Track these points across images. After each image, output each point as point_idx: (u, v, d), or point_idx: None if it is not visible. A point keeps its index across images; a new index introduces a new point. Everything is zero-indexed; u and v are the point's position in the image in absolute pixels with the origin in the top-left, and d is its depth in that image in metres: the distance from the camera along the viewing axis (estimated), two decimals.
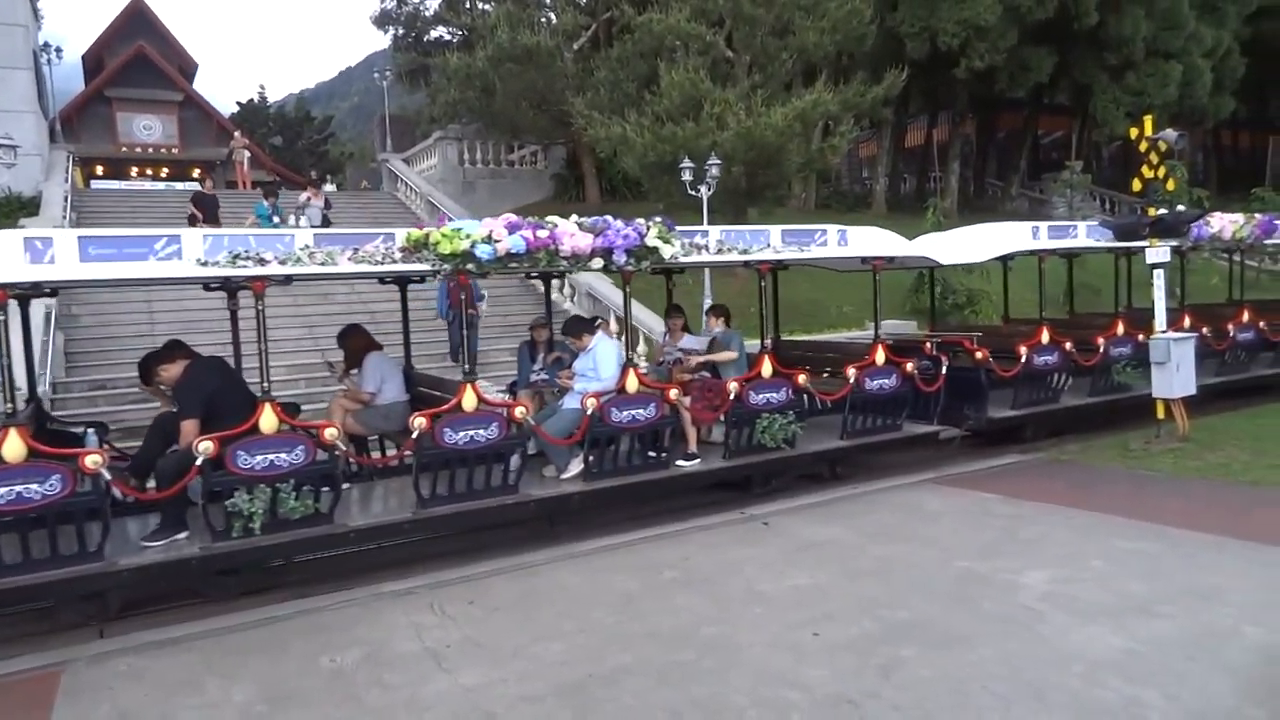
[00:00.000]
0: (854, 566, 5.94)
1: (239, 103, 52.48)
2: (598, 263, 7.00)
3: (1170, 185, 10.57)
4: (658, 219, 7.31)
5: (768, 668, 4.44)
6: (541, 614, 5.33)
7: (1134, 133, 10.10)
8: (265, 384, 6.01)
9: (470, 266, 6.40)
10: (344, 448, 6.70)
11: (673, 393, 7.57)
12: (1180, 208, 10.29)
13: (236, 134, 30.44)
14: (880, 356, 8.62)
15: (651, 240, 7.13)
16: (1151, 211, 9.74)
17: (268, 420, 5.89)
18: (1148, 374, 10.47)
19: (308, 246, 5.82)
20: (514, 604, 5.53)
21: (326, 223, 16.06)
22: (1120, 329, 10.56)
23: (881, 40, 23.23)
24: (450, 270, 6.39)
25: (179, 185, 32.80)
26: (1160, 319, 9.68)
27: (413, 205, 23.23)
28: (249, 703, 4.34)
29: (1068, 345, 9.95)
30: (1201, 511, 6.85)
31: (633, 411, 7.30)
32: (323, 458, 6.10)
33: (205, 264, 5.55)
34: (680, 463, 7.73)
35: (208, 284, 6.17)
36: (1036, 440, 9.85)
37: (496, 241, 6.41)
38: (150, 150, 36.43)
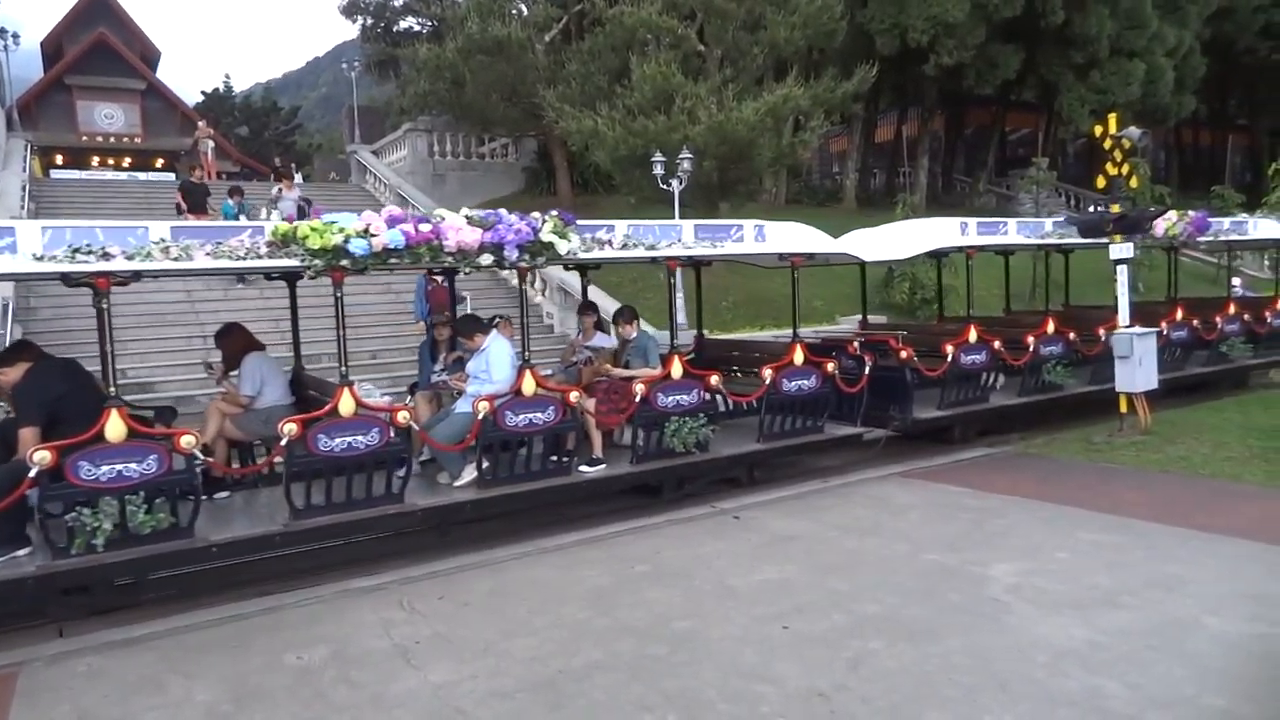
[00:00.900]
0: (824, 560, 5.98)
1: (204, 92, 51.67)
2: (487, 259, 6.62)
3: (1133, 182, 10.77)
4: (554, 212, 6.97)
5: (738, 661, 4.45)
6: (512, 609, 5.30)
7: (1098, 130, 10.26)
8: (112, 387, 5.60)
9: (345, 263, 6.05)
10: (204, 457, 6.16)
11: (573, 395, 7.23)
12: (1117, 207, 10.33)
13: (201, 124, 29.88)
14: (798, 357, 8.34)
15: (546, 235, 6.78)
16: (1115, 208, 9.90)
17: (114, 428, 5.43)
18: (1079, 373, 10.57)
19: (162, 240, 5.46)
20: (484, 599, 5.50)
21: (304, 216, 15.66)
22: (1050, 328, 10.34)
23: (852, 36, 23.37)
24: (322, 267, 5.98)
25: (141, 175, 32.12)
26: (1124, 314, 9.84)
27: (382, 197, 22.98)
28: (213, 702, 4.27)
29: (996, 344, 9.72)
30: (1163, 504, 6.98)
31: (530, 415, 6.95)
32: (180, 466, 5.66)
33: (41, 259, 5.13)
34: (584, 468, 7.37)
35: (66, 279, 5.66)
36: (965, 441, 9.69)
37: (373, 236, 6.08)
38: (112, 139, 35.70)
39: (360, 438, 6.23)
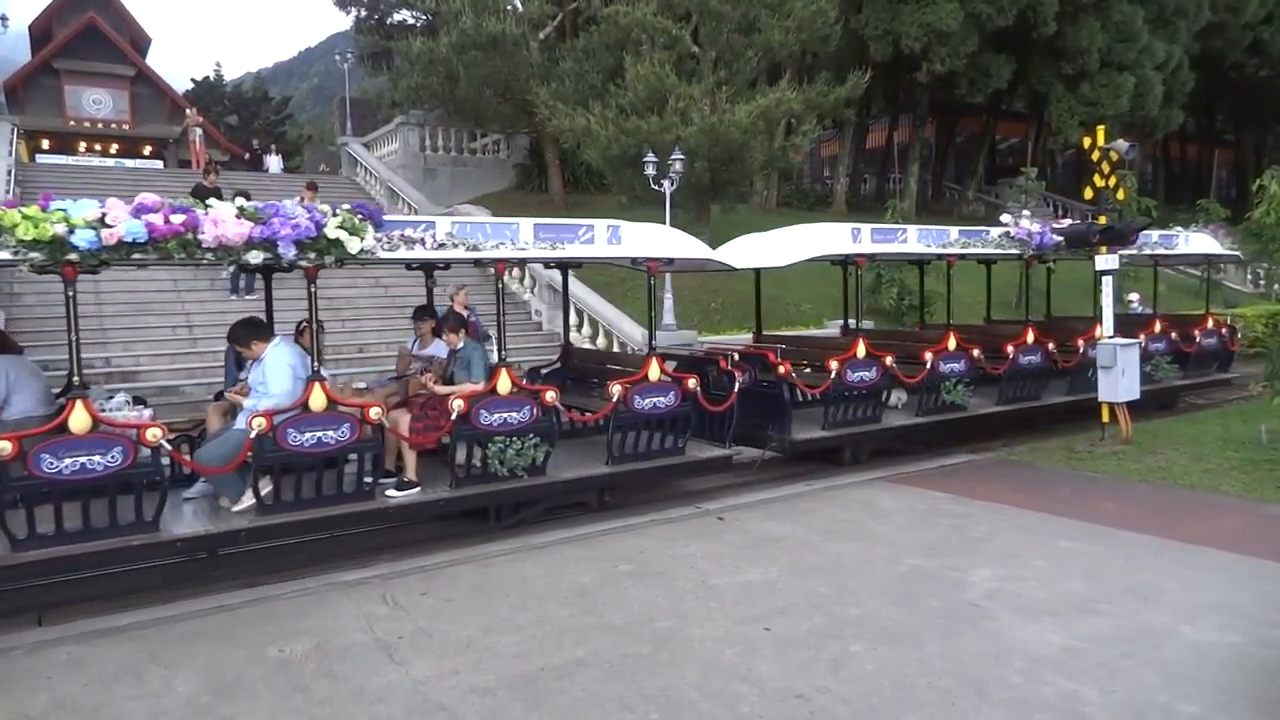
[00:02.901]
0: (806, 562, 6.02)
1: (194, 80, 51.15)
2: (256, 256, 5.84)
3: (1120, 195, 10.87)
4: (347, 206, 6.28)
5: (719, 661, 4.48)
6: (496, 606, 5.31)
7: (1087, 142, 10.35)
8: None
9: (72, 256, 5.31)
10: None
11: (373, 412, 6.45)
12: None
13: (190, 111, 29.75)
14: (653, 372, 7.70)
15: (333, 231, 6.00)
16: (1102, 219, 10.00)
17: None
18: (981, 392, 10.17)
19: None
20: (468, 595, 5.51)
21: None
22: (951, 343, 9.81)
23: (845, 41, 23.46)
24: (44, 260, 5.28)
25: (129, 162, 31.88)
26: (1108, 325, 9.95)
27: (372, 190, 22.89)
28: (192, 693, 4.27)
29: (889, 360, 9.25)
30: (1142, 513, 7.06)
31: (319, 433, 6.20)
32: None
33: None
34: (392, 493, 6.70)
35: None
36: (857, 464, 9.18)
37: (109, 226, 5.34)
38: (100, 125, 35.32)
39: (98, 458, 5.45)
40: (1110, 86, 26.66)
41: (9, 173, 17.44)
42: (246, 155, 31.26)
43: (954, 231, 9.90)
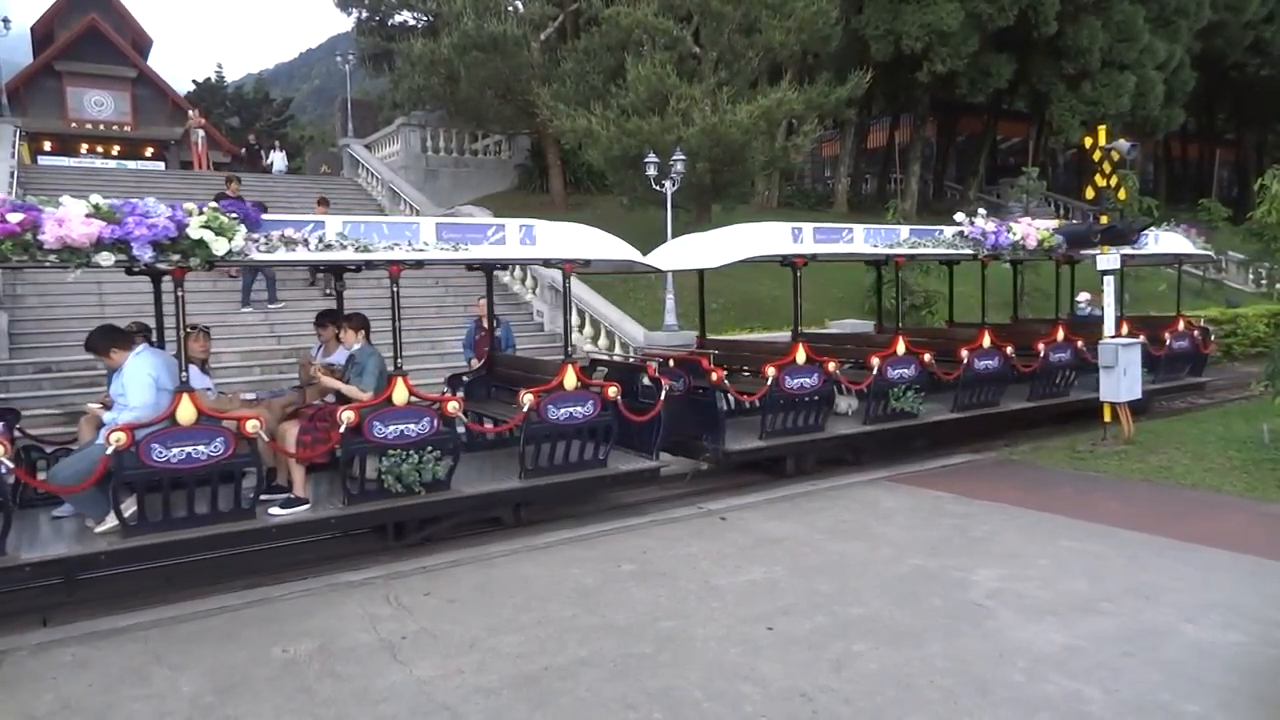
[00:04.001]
0: (808, 562, 6.02)
1: (195, 81, 51.19)
2: (108, 258, 5.37)
3: (1122, 194, 10.85)
4: (213, 204, 5.81)
5: (722, 661, 4.49)
6: (499, 606, 5.32)
7: (1088, 142, 10.35)
8: None
9: None
10: None
11: (250, 424, 5.99)
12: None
13: (192, 113, 29.73)
14: (569, 380, 7.26)
15: (196, 231, 5.54)
16: (1104, 219, 9.99)
17: None
18: (935, 399, 9.76)
19: None
20: (471, 595, 5.52)
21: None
22: (900, 348, 9.37)
23: (846, 41, 23.48)
24: None
25: (131, 164, 31.91)
26: (1110, 325, 9.94)
27: (374, 192, 22.92)
28: (197, 693, 4.28)
29: (831, 366, 8.81)
30: (1144, 513, 7.06)
31: (188, 448, 5.74)
32: None
33: None
34: (275, 511, 6.26)
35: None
36: (801, 474, 8.76)
37: None
38: (102, 127, 35.36)
39: None
40: (1111, 86, 26.65)
41: (11, 175, 17.47)
42: (242, 150, 31.07)
43: (905, 230, 9.50)
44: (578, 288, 15.14)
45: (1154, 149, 38.25)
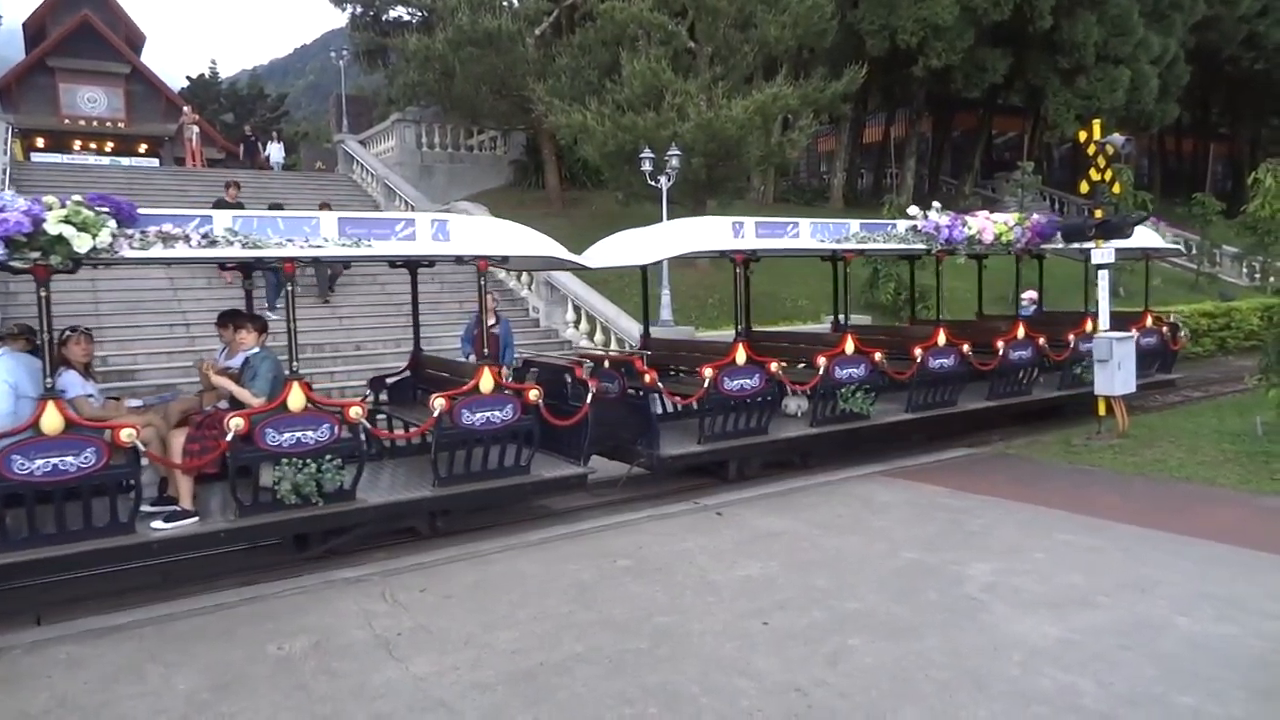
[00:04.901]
0: (805, 557, 6.03)
1: (189, 77, 51.03)
2: None
3: (1116, 189, 10.85)
4: (77, 197, 5.38)
5: (719, 656, 4.49)
6: (495, 602, 5.32)
7: (1083, 136, 10.36)
8: None
9: None
10: None
11: (124, 433, 5.59)
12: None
13: (186, 109, 29.61)
14: (486, 383, 6.88)
15: (54, 226, 5.17)
16: (1098, 213, 10.00)
17: None
18: (889, 398, 9.56)
19: None
20: (467, 592, 5.52)
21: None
22: (848, 347, 9.05)
23: (842, 36, 23.46)
24: None
25: (125, 160, 31.78)
26: (1104, 319, 9.96)
27: (369, 188, 22.86)
28: (193, 691, 4.27)
29: (773, 367, 8.48)
30: (1139, 507, 7.08)
31: (54, 459, 5.38)
32: None
33: None
34: (159, 524, 5.88)
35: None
36: (745, 479, 8.49)
37: None
38: (95, 123, 35.24)
39: None
40: (1106, 80, 26.68)
41: (4, 172, 17.42)
42: (240, 144, 30.91)
43: (854, 225, 9.15)
44: (574, 284, 15.14)
45: (1148, 143, 38.29)
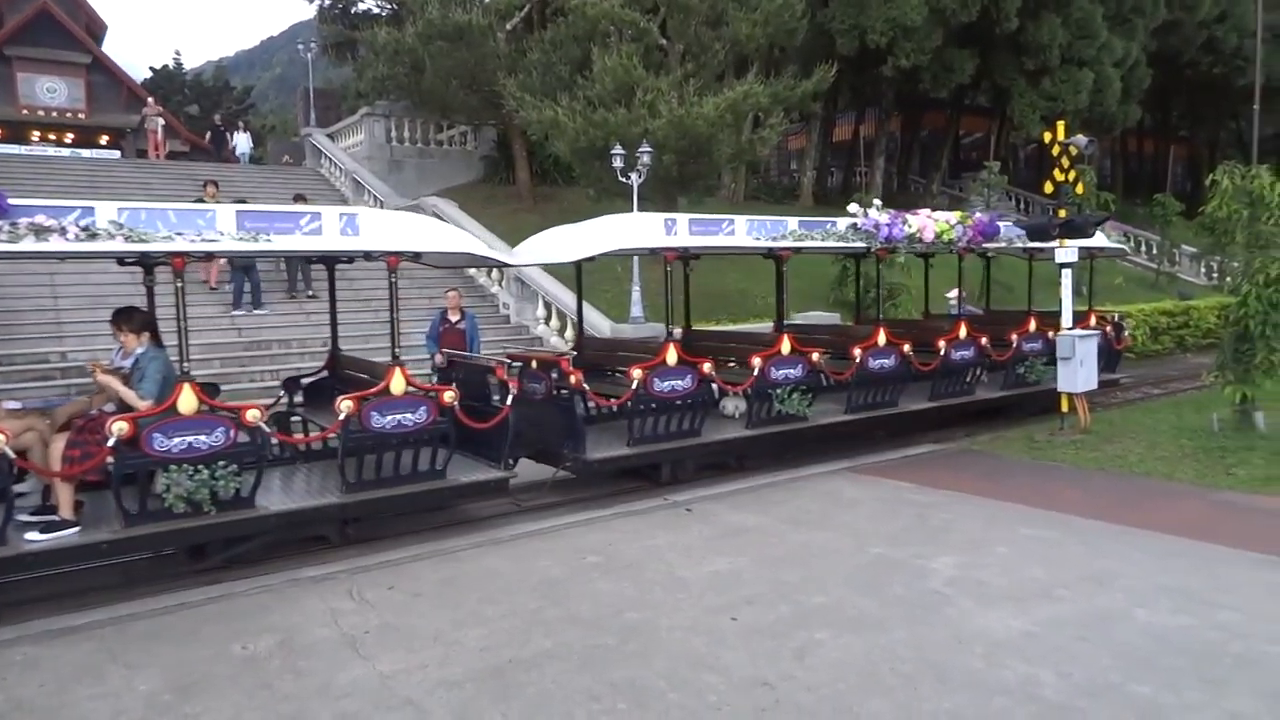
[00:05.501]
0: (772, 552, 6.08)
1: (152, 68, 50.09)
2: None
3: (1080, 189, 11.05)
4: None
5: (687, 651, 4.52)
6: (463, 599, 5.30)
7: (1048, 137, 10.52)
8: None
9: None
10: None
11: None
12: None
13: (149, 101, 29.08)
14: (398, 384, 6.59)
15: None
16: (1061, 213, 10.17)
17: None
18: (826, 399, 9.45)
19: None
20: (435, 589, 5.49)
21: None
22: (785, 347, 8.81)
23: (812, 35, 23.60)
24: None
25: (85, 152, 31.12)
26: (1067, 317, 10.13)
27: (337, 183, 22.61)
28: (154, 691, 4.21)
29: (706, 367, 8.24)
30: (1099, 501, 7.22)
31: None
32: None
33: None
34: (35, 535, 5.52)
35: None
36: (680, 482, 8.24)
37: None
38: (54, 114, 34.44)
39: None
40: (1070, 82, 27.11)
41: None
42: (207, 134, 30.32)
43: (792, 222, 8.89)
44: (544, 280, 15.10)
45: (1111, 144, 38.98)
